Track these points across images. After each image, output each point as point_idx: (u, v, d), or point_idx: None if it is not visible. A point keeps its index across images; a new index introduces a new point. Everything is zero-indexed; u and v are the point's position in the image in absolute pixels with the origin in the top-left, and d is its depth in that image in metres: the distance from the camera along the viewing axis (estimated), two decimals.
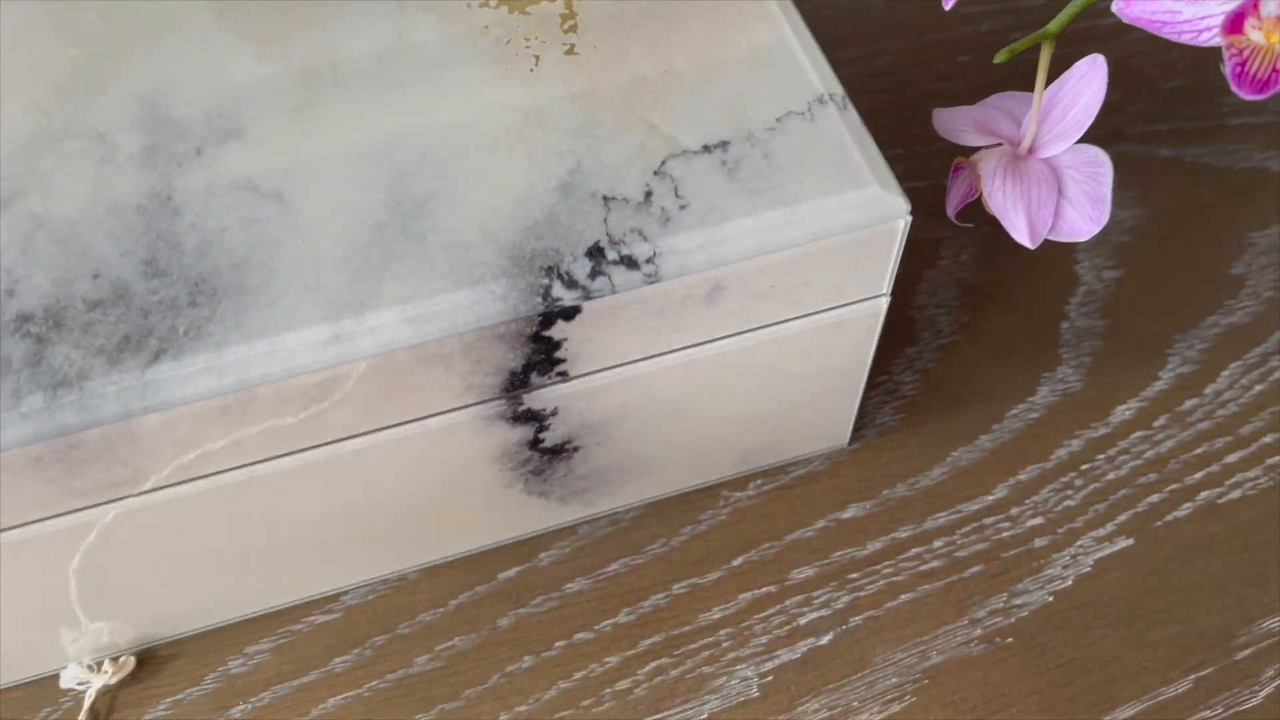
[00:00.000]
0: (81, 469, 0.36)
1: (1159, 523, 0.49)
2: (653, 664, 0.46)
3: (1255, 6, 0.33)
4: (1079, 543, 0.48)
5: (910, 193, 0.56)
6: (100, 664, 0.44)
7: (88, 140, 0.39)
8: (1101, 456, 0.50)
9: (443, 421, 0.40)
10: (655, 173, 0.39)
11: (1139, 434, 0.51)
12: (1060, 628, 0.46)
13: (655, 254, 0.38)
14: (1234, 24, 0.33)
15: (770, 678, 0.45)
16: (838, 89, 0.41)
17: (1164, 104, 0.60)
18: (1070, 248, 0.55)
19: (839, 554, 0.48)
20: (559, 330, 0.38)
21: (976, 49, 0.62)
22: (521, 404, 0.41)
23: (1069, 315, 0.54)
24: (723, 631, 0.46)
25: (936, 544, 0.48)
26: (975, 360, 0.53)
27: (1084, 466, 0.50)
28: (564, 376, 0.40)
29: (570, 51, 0.42)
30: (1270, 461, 0.50)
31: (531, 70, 0.41)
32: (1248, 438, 0.51)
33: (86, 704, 0.44)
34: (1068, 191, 0.42)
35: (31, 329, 0.36)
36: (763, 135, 0.40)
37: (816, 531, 0.48)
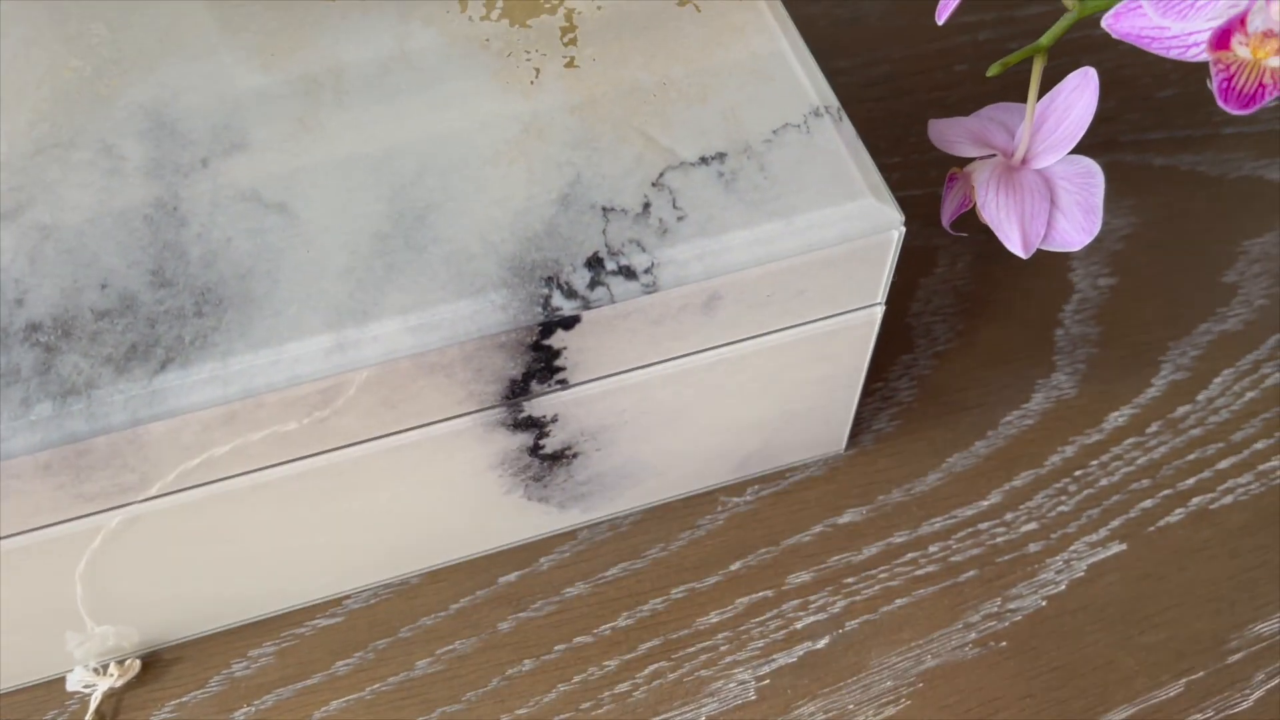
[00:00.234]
0: (89, 475, 0.37)
1: (1152, 528, 0.49)
2: (651, 667, 0.46)
3: (1242, 23, 0.34)
4: (1072, 548, 0.49)
5: (907, 201, 0.57)
6: (106, 667, 0.45)
7: (94, 151, 0.40)
8: (1095, 462, 0.51)
9: (444, 428, 0.41)
10: (653, 184, 0.39)
11: (1132, 440, 0.51)
12: (1054, 632, 0.47)
13: (653, 264, 0.38)
14: (1221, 40, 0.34)
15: (767, 681, 0.46)
16: (833, 101, 0.41)
17: (1158, 113, 0.60)
18: (1065, 256, 0.56)
19: (835, 559, 0.48)
20: (559, 339, 0.39)
21: (973, 59, 0.63)
22: (522, 411, 0.41)
23: (1064, 323, 0.54)
24: (720, 635, 0.47)
25: (932, 549, 0.49)
26: (971, 367, 0.53)
27: (1078, 472, 0.51)
28: (564, 384, 0.41)
29: (570, 64, 0.42)
30: (1262, 467, 0.51)
31: (532, 82, 0.42)
32: (1240, 444, 0.51)
33: (92, 707, 0.44)
34: (1060, 202, 0.43)
35: (40, 338, 0.36)
36: (759, 147, 0.40)
37: (813, 537, 0.49)
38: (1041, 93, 0.43)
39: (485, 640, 0.47)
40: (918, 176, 0.58)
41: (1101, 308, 0.55)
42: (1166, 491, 0.50)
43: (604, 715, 0.45)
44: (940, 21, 0.39)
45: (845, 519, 0.49)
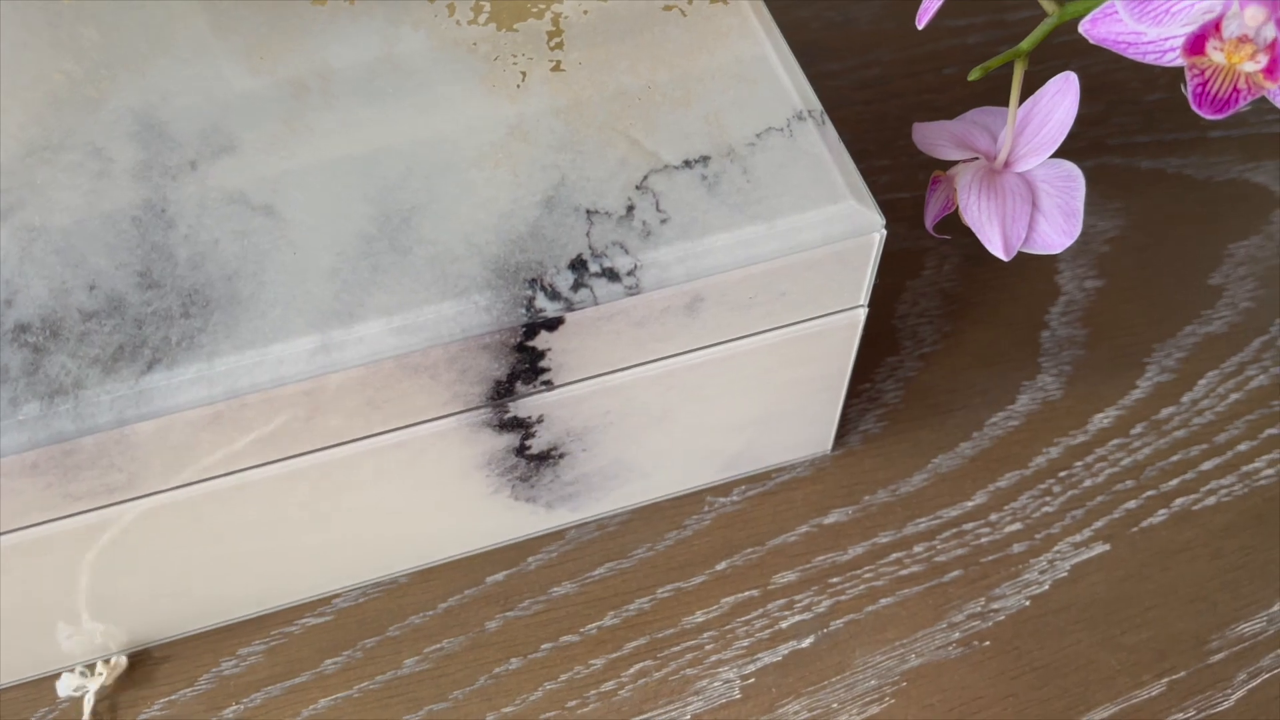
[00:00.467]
0: (77, 475, 0.37)
1: (1135, 529, 0.50)
2: (637, 666, 0.47)
3: (1217, 28, 0.34)
4: (1056, 548, 0.49)
5: (895, 203, 0.58)
6: (93, 667, 0.45)
7: (84, 153, 0.40)
8: (1080, 464, 0.51)
9: (430, 429, 0.41)
10: (637, 187, 0.40)
11: (1117, 442, 0.52)
12: (1037, 631, 0.47)
13: (636, 266, 0.39)
14: (1195, 45, 0.34)
15: (752, 680, 0.46)
16: (816, 105, 0.42)
17: (1146, 116, 0.61)
18: (1052, 258, 0.56)
19: (821, 558, 0.49)
20: (543, 340, 0.39)
21: (963, 62, 0.63)
22: (507, 412, 0.42)
23: (1050, 325, 0.55)
24: (706, 634, 0.47)
25: (917, 549, 0.49)
26: (957, 369, 0.54)
27: (1062, 473, 0.51)
28: (548, 385, 0.41)
29: (556, 68, 0.43)
30: (1245, 469, 0.51)
31: (518, 86, 0.42)
32: (1223, 445, 0.52)
33: (88, 710, 0.45)
34: (1042, 205, 0.43)
35: (29, 339, 0.37)
36: (743, 151, 0.41)
37: (799, 536, 0.49)
38: (1025, 97, 0.43)
39: (473, 639, 0.47)
40: (907, 179, 0.58)
41: (1087, 310, 0.55)
42: (1150, 492, 0.50)
43: (590, 714, 0.46)
44: (920, 25, 0.40)
45: (831, 519, 0.50)
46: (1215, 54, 0.35)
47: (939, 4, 0.40)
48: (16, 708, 0.45)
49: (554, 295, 0.38)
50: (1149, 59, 0.36)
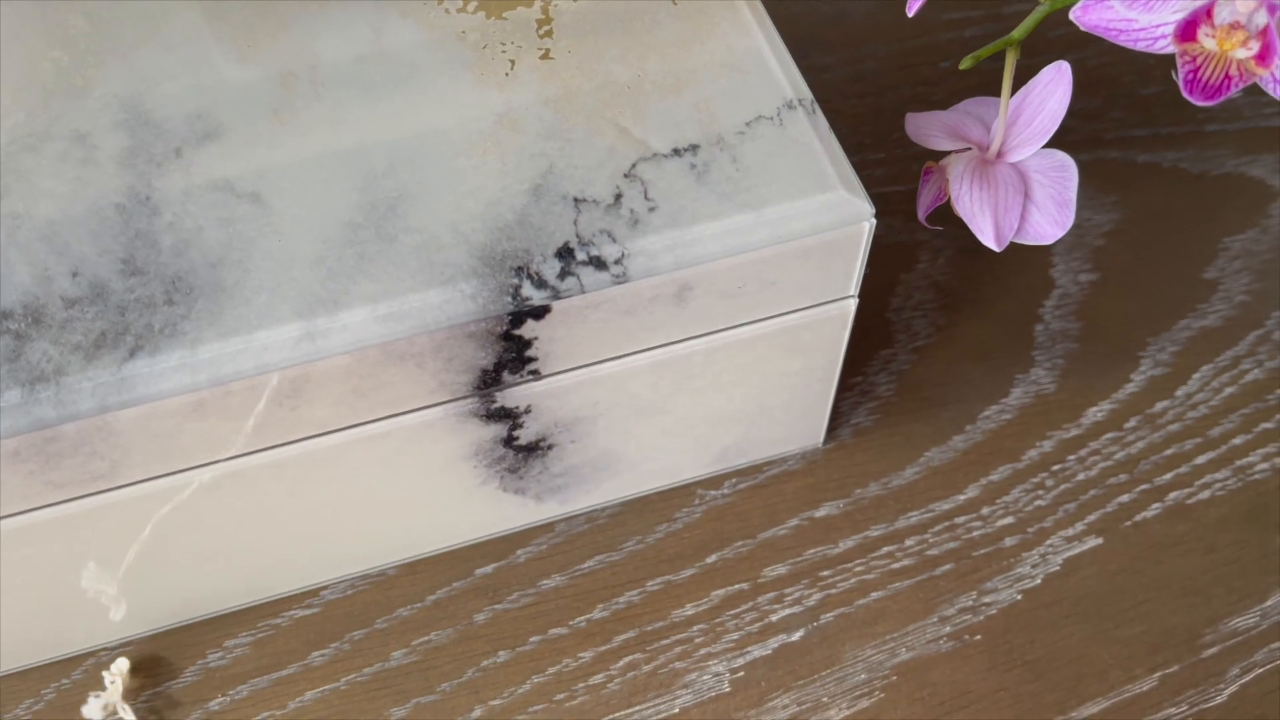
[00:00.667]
0: (59, 462, 0.37)
1: (1128, 522, 0.49)
2: (626, 659, 0.46)
3: (1208, 14, 0.34)
4: (1049, 542, 0.49)
5: (889, 197, 0.57)
6: (103, 679, 0.45)
7: (69, 141, 0.40)
8: (1072, 457, 0.51)
9: (416, 418, 0.41)
10: (625, 175, 0.40)
11: (1110, 435, 0.51)
12: (1028, 626, 0.47)
13: (624, 255, 0.38)
14: (1187, 31, 0.34)
15: (741, 673, 0.46)
16: (807, 94, 0.42)
17: (1142, 110, 0.60)
18: (1046, 252, 0.56)
19: (811, 552, 0.49)
20: (529, 329, 0.39)
21: (959, 56, 0.62)
22: (494, 402, 0.41)
23: (1043, 318, 0.54)
24: (695, 627, 0.47)
25: (908, 542, 0.49)
26: (950, 362, 0.53)
27: (1055, 467, 0.51)
28: (536, 375, 0.41)
29: (545, 56, 0.42)
30: (1239, 463, 0.51)
31: (506, 74, 0.42)
32: (1217, 439, 0.51)
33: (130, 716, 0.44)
34: (1034, 195, 0.43)
35: (10, 326, 0.36)
36: (732, 139, 0.40)
37: (790, 530, 0.49)
38: (1017, 87, 0.43)
39: (461, 631, 0.47)
40: (900, 173, 0.58)
41: (1082, 303, 0.55)
42: (1144, 486, 0.50)
43: (578, 706, 0.45)
44: (911, 13, 0.39)
45: (822, 512, 0.49)
46: (1207, 40, 0.34)
47: None
48: (0, 699, 0.45)
49: (541, 284, 0.38)
50: (1140, 46, 0.36)
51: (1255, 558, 0.49)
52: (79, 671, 0.46)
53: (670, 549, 0.49)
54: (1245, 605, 0.48)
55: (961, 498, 0.50)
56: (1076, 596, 0.48)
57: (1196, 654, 0.47)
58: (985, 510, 0.50)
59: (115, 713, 0.44)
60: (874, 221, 0.40)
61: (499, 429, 0.43)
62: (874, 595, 0.48)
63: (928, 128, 0.45)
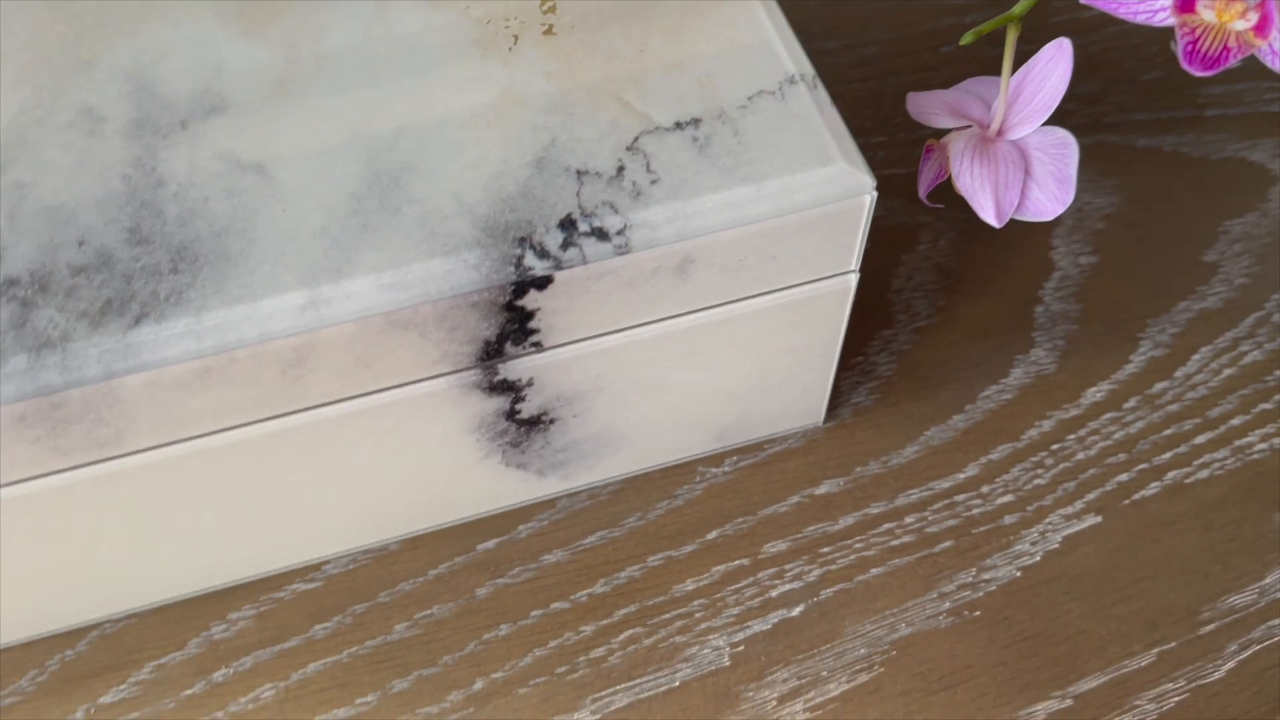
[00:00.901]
0: (65, 429, 0.37)
1: (1127, 501, 0.50)
2: (627, 633, 0.47)
3: None
4: (1048, 520, 0.49)
5: (892, 179, 0.58)
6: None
7: (75, 113, 0.40)
8: (1072, 436, 0.51)
9: (419, 389, 0.41)
10: (628, 148, 0.40)
11: (1109, 415, 0.52)
12: (1027, 602, 0.47)
13: (626, 226, 0.39)
14: (1186, 3, 0.34)
15: (741, 647, 0.46)
16: (808, 69, 0.42)
17: (1142, 95, 0.61)
18: (1046, 234, 0.56)
19: (811, 528, 0.49)
20: (532, 300, 0.39)
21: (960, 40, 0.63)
22: (497, 374, 0.42)
23: (1044, 300, 0.55)
24: (696, 602, 0.47)
25: (908, 520, 0.49)
26: (950, 342, 0.53)
27: (1054, 446, 0.51)
28: (538, 347, 0.41)
29: (549, 31, 0.43)
30: (1238, 443, 0.51)
31: (510, 49, 0.42)
32: (1216, 420, 0.51)
33: None
34: (1034, 172, 0.43)
35: (17, 293, 0.37)
36: (734, 113, 0.41)
37: (790, 507, 0.49)
38: (1018, 65, 0.43)
39: (462, 605, 0.47)
40: (903, 155, 0.58)
41: (1082, 285, 0.55)
42: (1142, 466, 0.50)
43: (579, 679, 0.46)
44: None
45: (822, 490, 0.50)
46: (1206, 12, 0.35)
47: None
48: (3, 671, 0.45)
49: (543, 254, 0.38)
50: (1139, 19, 0.36)
51: (1253, 536, 0.49)
52: (83, 643, 0.46)
53: (671, 525, 0.49)
54: (1243, 583, 0.48)
55: (961, 476, 0.50)
56: (1075, 574, 0.48)
57: (1194, 631, 0.47)
58: (985, 488, 0.50)
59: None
60: (875, 195, 0.40)
61: (501, 402, 0.43)
62: (874, 571, 0.48)
63: (929, 106, 0.45)
